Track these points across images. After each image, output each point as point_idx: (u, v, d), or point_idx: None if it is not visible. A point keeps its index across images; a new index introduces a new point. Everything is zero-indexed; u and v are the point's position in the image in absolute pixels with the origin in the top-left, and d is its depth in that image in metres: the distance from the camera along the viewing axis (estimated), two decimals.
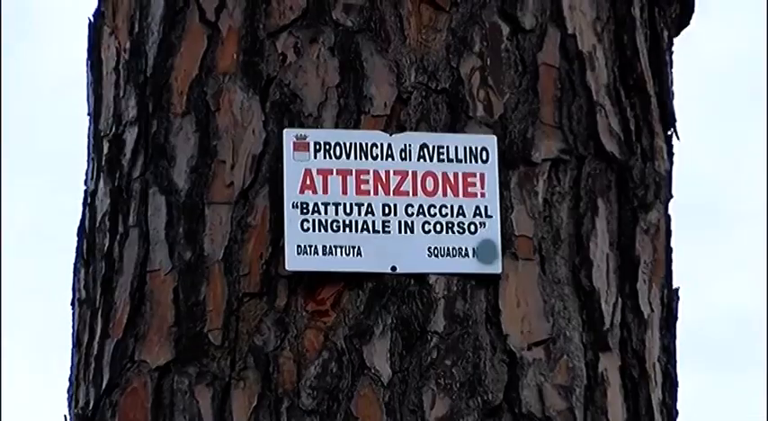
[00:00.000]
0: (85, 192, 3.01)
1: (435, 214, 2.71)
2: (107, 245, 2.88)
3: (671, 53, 3.12)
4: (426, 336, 2.66)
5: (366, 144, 2.75)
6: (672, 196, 3.03)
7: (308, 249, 2.66)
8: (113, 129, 2.96)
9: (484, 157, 2.75)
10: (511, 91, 2.84)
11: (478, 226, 2.71)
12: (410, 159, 2.74)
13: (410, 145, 2.76)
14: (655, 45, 3.06)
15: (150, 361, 2.70)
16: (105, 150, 2.95)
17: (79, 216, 3.06)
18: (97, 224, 2.94)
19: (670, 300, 2.97)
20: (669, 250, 3.00)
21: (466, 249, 2.70)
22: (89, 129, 3.06)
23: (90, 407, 2.83)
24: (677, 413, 2.99)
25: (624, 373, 2.81)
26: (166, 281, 2.75)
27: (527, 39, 2.88)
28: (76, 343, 2.94)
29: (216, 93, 2.83)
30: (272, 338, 2.65)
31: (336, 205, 2.70)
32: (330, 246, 2.68)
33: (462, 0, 2.85)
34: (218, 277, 2.70)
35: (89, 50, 3.12)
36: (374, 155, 2.74)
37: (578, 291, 2.80)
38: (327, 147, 2.74)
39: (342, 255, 2.69)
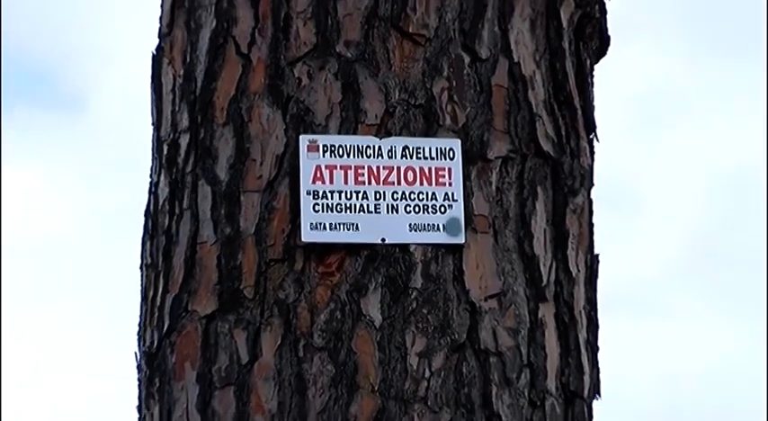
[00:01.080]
0: (150, 183, 3.09)
1: (414, 199, 2.79)
2: (167, 223, 2.96)
3: (592, 76, 3.18)
4: (408, 291, 2.73)
5: (362, 146, 2.81)
6: (593, 184, 3.10)
7: (319, 226, 2.73)
8: (171, 135, 3.04)
9: (451, 156, 2.82)
10: (471, 105, 2.91)
11: (447, 207, 2.79)
12: (395, 157, 2.81)
13: (395, 146, 2.82)
14: (580, 70, 3.12)
15: (200, 310, 2.79)
16: (165, 151, 3.03)
17: (145, 201, 3.10)
18: (159, 207, 3.01)
19: (592, 263, 3.05)
20: (591, 225, 3.07)
21: (438, 225, 2.77)
22: (153, 135, 3.13)
23: (154, 347, 2.92)
24: (598, 348, 3.04)
25: (558, 318, 2.90)
26: (211, 250, 2.83)
27: (483, 66, 2.94)
28: (144, 297, 3.01)
29: (248, 108, 2.89)
30: (292, 293, 2.73)
31: (340, 192, 2.78)
32: (335, 224, 2.76)
33: (434, 36, 2.92)
34: (251, 247, 2.78)
35: (152, 76, 3.17)
36: (368, 154, 2.81)
37: (522, 256, 2.88)
38: (332, 148, 2.80)
39: (344, 230, 2.75)
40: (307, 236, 2.71)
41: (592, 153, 3.09)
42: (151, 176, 3.10)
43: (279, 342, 2.68)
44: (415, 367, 2.68)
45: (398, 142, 2.81)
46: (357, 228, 2.75)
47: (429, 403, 2.67)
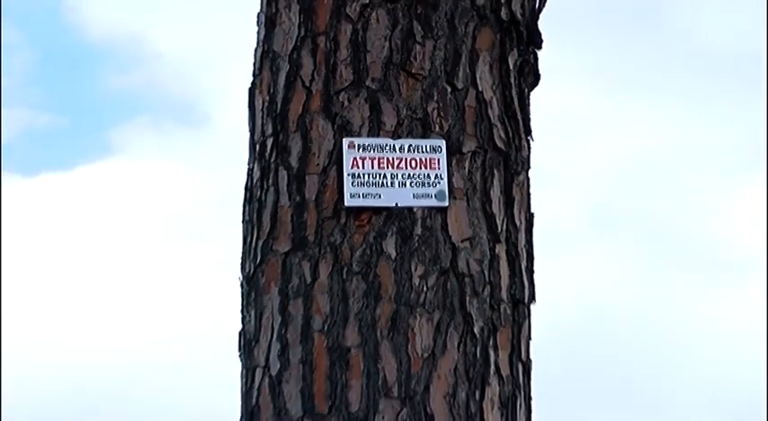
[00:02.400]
0: (248, 169, 3.28)
1: (416, 178, 3.04)
2: (258, 194, 3.18)
3: (529, 99, 3.35)
4: (412, 236, 2.99)
5: (382, 144, 3.07)
6: (530, 167, 3.32)
7: (355, 195, 3.00)
8: (261, 138, 3.22)
9: (439, 151, 3.07)
10: (452, 118, 3.12)
11: (437, 183, 3.04)
12: (404, 152, 3.07)
13: (404, 145, 3.07)
14: (521, 96, 3.29)
15: (280, 249, 3.05)
16: (257, 149, 3.23)
17: (245, 181, 3.30)
18: (254, 184, 3.22)
19: (530, 219, 3.27)
20: (529, 194, 3.28)
21: (431, 194, 3.02)
22: (249, 139, 3.30)
23: (251, 273, 3.12)
24: (533, 272, 3.22)
25: (508, 253, 3.12)
26: (287, 211, 3.06)
27: (459, 93, 3.15)
28: (244, 242, 3.20)
29: (310, 121, 3.12)
30: (338, 238, 2.97)
31: (368, 174, 3.03)
32: (365, 194, 3.02)
33: (428, 75, 3.12)
34: (312, 209, 3.01)
35: (249, 101, 3.34)
36: (386, 150, 3.07)
37: (485, 214, 3.10)
38: (363, 146, 3.05)
39: (371, 198, 3.01)
40: (348, 202, 2.97)
41: (529, 148, 3.29)
42: (248, 164, 3.28)
43: (330, 269, 2.93)
44: (417, 284, 2.93)
45: (405, 142, 3.06)
46: (380, 197, 3.00)
47: (426, 307, 2.91)
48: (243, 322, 3.10)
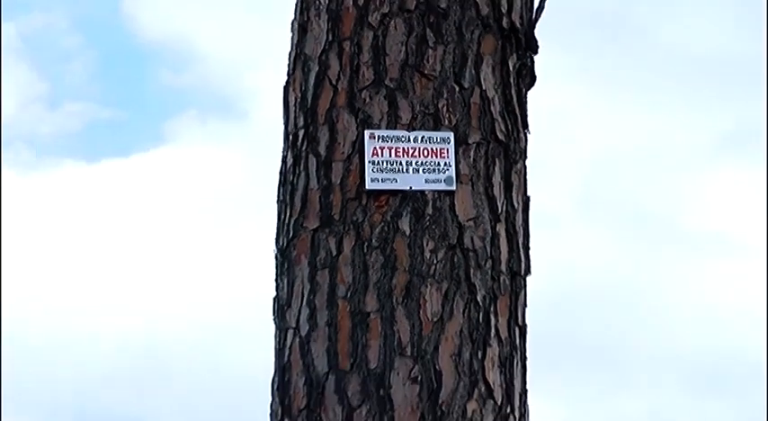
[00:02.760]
0: (282, 156, 3.32)
1: (428, 165, 3.09)
2: (291, 178, 3.22)
3: (526, 97, 3.38)
4: (424, 216, 3.04)
5: (399, 136, 3.11)
6: (527, 156, 3.36)
7: (375, 180, 3.06)
8: (294, 130, 3.27)
9: (448, 142, 3.12)
10: (459, 114, 3.17)
11: (446, 170, 3.09)
12: (417, 142, 3.12)
13: (417, 136, 3.12)
14: (519, 94, 3.33)
15: (309, 226, 3.10)
16: (290, 139, 3.29)
17: (279, 166, 3.33)
18: (287, 169, 3.26)
19: (527, 202, 3.31)
20: (526, 180, 3.33)
21: (441, 179, 3.08)
22: (284, 130, 3.35)
23: (284, 246, 3.18)
24: (529, 247, 3.27)
25: (507, 231, 3.16)
26: (316, 193, 3.11)
27: (466, 92, 3.20)
28: (278, 219, 3.25)
29: (336, 115, 3.18)
30: (359, 216, 3.04)
31: (386, 161, 3.08)
32: (384, 178, 3.07)
33: (438, 75, 3.17)
34: (338, 192, 3.07)
35: (284, 97, 3.38)
36: (402, 141, 3.12)
37: (487, 197, 3.14)
38: (382, 137, 3.11)
39: (389, 182, 3.07)
40: (369, 185, 3.04)
41: (526, 140, 3.36)
42: (283, 152, 3.33)
43: (353, 244, 3.00)
44: (428, 258, 2.99)
45: (419, 134, 3.11)
46: (396, 181, 3.06)
47: (436, 278, 2.98)
48: (277, 289, 3.17)
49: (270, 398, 3.09)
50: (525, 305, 3.17)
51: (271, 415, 3.08)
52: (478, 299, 2.99)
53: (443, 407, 2.86)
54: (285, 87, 3.34)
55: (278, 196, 3.27)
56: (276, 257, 3.21)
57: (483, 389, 2.92)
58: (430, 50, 3.14)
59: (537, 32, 3.34)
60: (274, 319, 3.17)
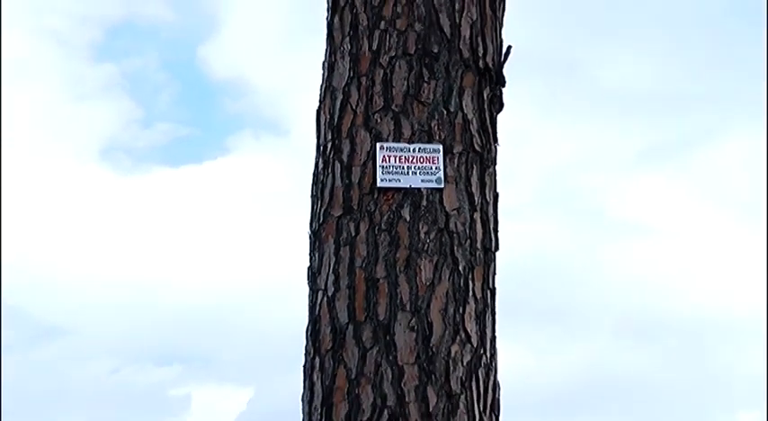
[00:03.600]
0: (315, 162, 3.35)
1: (424, 169, 3.15)
2: (321, 179, 3.26)
3: (496, 119, 3.35)
4: (420, 207, 3.11)
5: (402, 147, 3.17)
6: (496, 163, 3.35)
7: (384, 180, 3.12)
8: (323, 142, 3.31)
9: (438, 152, 3.17)
10: (446, 131, 3.21)
11: (436, 172, 3.15)
12: (416, 152, 3.17)
13: (416, 148, 3.17)
14: (491, 117, 3.33)
15: (334, 214, 3.16)
16: (321, 149, 3.32)
17: (313, 170, 3.35)
18: (319, 171, 3.29)
19: (496, 197, 3.30)
20: (496, 181, 3.32)
21: (433, 180, 3.13)
22: (316, 142, 3.39)
23: (316, 229, 3.22)
24: (497, 231, 3.28)
25: (482, 219, 3.21)
26: (340, 190, 3.16)
27: (452, 115, 3.24)
28: (311, 208, 3.30)
29: (356, 131, 3.21)
30: (372, 207, 3.11)
31: (392, 166, 3.14)
32: (390, 179, 3.13)
33: (432, 102, 3.21)
34: (356, 189, 3.13)
35: (316, 118, 3.41)
36: (404, 151, 3.17)
37: (467, 193, 3.19)
38: (390, 149, 3.16)
39: (394, 182, 3.12)
40: (379, 184, 3.12)
41: (496, 151, 3.36)
42: (315, 160, 3.37)
43: (367, 227, 3.08)
44: (423, 238, 3.07)
45: (417, 146, 3.18)
46: (400, 181, 3.13)
47: (429, 253, 3.07)
48: (310, 261, 3.22)
49: (305, 342, 3.16)
50: (495, 273, 3.21)
51: (305, 354, 3.15)
52: (460, 268, 3.06)
53: (433, 349, 2.95)
54: (317, 110, 3.37)
55: (311, 192, 3.29)
56: (310, 237, 3.25)
57: (463, 335, 3.00)
58: (425, 84, 3.20)
59: (505, 71, 3.38)
60: (308, 283, 3.21)
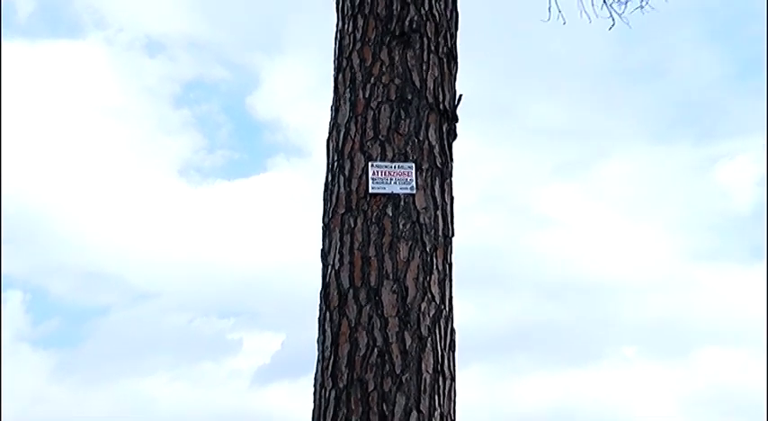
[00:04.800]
0: (326, 176, 3.32)
1: (402, 180, 3.14)
2: (330, 187, 3.25)
3: (452, 146, 3.34)
4: (399, 206, 3.11)
5: (387, 165, 3.17)
6: (452, 176, 3.31)
7: (374, 188, 3.12)
8: (332, 161, 3.29)
9: (411, 168, 3.16)
10: (417, 154, 3.21)
11: (411, 183, 3.16)
12: (396, 169, 3.17)
13: (396, 165, 3.17)
14: (449, 144, 3.29)
15: (339, 212, 3.13)
16: (330, 166, 3.29)
17: (324, 181, 3.30)
18: (328, 182, 3.28)
19: (452, 200, 3.28)
20: (452, 189, 3.30)
21: (408, 188, 3.13)
22: (327, 161, 3.34)
23: (327, 222, 3.18)
24: (454, 223, 3.24)
25: (442, 215, 3.21)
26: (343, 194, 3.16)
27: (421, 143, 3.22)
28: (323, 208, 3.26)
29: (353, 155, 3.19)
30: (366, 206, 3.11)
31: (380, 178, 3.13)
32: (379, 187, 3.13)
33: (407, 134, 3.21)
34: (355, 193, 3.14)
35: (327, 146, 3.36)
36: (388, 168, 3.16)
37: (432, 197, 3.20)
38: (378, 166, 3.15)
39: (381, 189, 3.12)
40: (371, 190, 3.11)
41: (452, 167, 3.33)
42: (326, 175, 3.33)
43: (362, 221, 3.08)
44: (401, 228, 3.07)
45: (396, 164, 3.18)
46: (385, 189, 3.12)
47: (406, 239, 3.07)
48: (323, 244, 3.20)
49: (319, 301, 3.15)
50: (451, 252, 3.21)
51: (319, 310, 3.13)
52: (427, 249, 3.08)
53: (409, 306, 2.97)
54: (327, 140, 3.36)
55: (323, 196, 3.28)
56: (322, 228, 3.24)
57: (429, 296, 3.02)
58: (402, 121, 3.20)
59: (458, 112, 3.38)
60: (321, 260, 3.20)
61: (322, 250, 3.20)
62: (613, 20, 4.10)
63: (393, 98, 3.22)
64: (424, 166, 3.19)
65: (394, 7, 3.32)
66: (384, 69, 3.25)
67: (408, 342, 2.90)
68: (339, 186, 3.19)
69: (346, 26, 3.38)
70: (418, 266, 3.02)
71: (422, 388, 2.87)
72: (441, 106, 3.30)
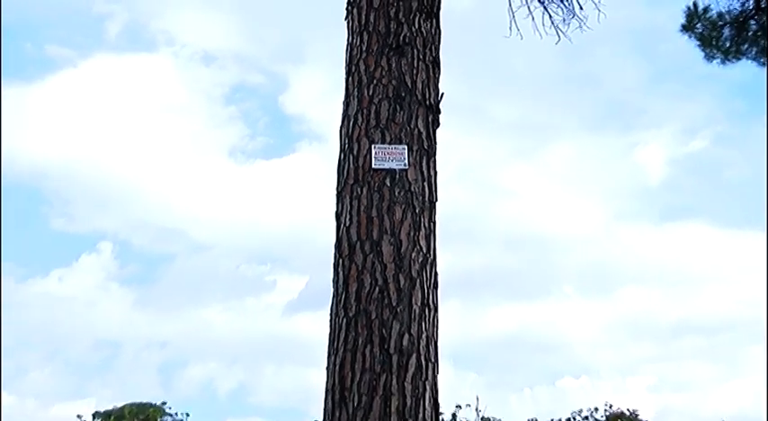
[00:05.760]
0: (339, 155, 3.31)
1: (397, 158, 3.19)
2: (342, 164, 3.28)
3: (436, 132, 3.32)
4: (395, 178, 3.16)
5: (386, 147, 3.21)
6: (436, 154, 3.31)
7: (377, 164, 3.17)
8: (343, 144, 3.32)
9: (405, 150, 3.20)
10: (409, 138, 3.21)
11: (404, 160, 3.18)
12: (392, 150, 3.21)
13: (393, 147, 3.22)
14: (433, 131, 3.29)
15: (350, 182, 3.18)
16: (342, 148, 3.30)
17: (337, 159, 3.31)
18: (341, 160, 3.29)
19: (436, 173, 3.31)
20: (436, 166, 3.30)
21: (402, 164, 3.17)
22: (340, 144, 3.35)
23: (340, 191, 3.23)
24: (437, 191, 3.27)
25: (429, 184, 3.24)
26: (352, 170, 3.20)
27: (412, 129, 3.24)
28: (337, 180, 3.30)
29: (360, 139, 3.23)
30: (370, 178, 3.16)
31: (381, 157, 3.18)
32: (380, 163, 3.18)
33: (401, 123, 3.21)
34: (361, 168, 3.17)
35: (340, 133, 3.38)
36: (388, 149, 3.21)
37: (421, 172, 3.21)
38: (379, 148, 3.20)
39: (381, 165, 3.17)
40: (374, 166, 3.17)
41: (436, 149, 3.34)
42: (339, 154, 3.32)
43: (367, 190, 3.14)
44: (396, 195, 3.13)
45: (393, 146, 3.22)
46: (384, 165, 3.17)
47: (400, 202, 3.12)
48: (336, 208, 3.27)
49: (333, 251, 3.21)
50: (435, 214, 3.26)
51: (334, 257, 3.19)
52: (417, 211, 3.15)
53: (402, 255, 3.05)
54: (340, 128, 3.40)
55: (337, 171, 3.33)
56: (336, 195, 3.29)
57: (418, 247, 3.09)
58: (397, 113, 3.25)
59: (440, 106, 3.43)
60: (335, 219, 3.26)
61: (336, 212, 3.25)
62: (559, 37, 4.21)
63: (390, 95, 3.26)
64: (414, 148, 3.24)
65: (391, 26, 3.38)
66: (383, 73, 3.29)
67: (402, 282, 2.98)
68: (349, 163, 3.24)
69: (354, 40, 3.43)
70: (410, 224, 3.09)
71: (412, 316, 2.96)
72: (427, 102, 3.35)
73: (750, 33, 4.50)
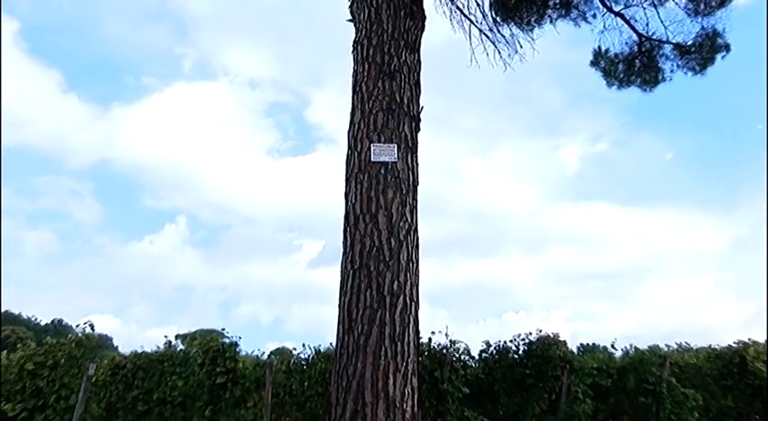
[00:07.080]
0: (347, 152, 3.25)
1: (390, 153, 3.13)
2: (349, 158, 3.20)
3: (417, 134, 3.22)
4: (389, 168, 3.11)
5: (382, 146, 3.16)
6: (417, 150, 3.14)
7: (374, 158, 3.13)
8: (350, 144, 3.24)
9: (395, 148, 3.15)
10: (397, 140, 3.11)
11: (394, 155, 3.14)
12: (386, 148, 3.16)
13: (387, 146, 3.17)
14: (416, 132, 3.22)
15: (355, 171, 3.09)
16: (349, 146, 3.22)
17: (345, 154, 3.21)
18: (348, 156, 3.20)
19: (417, 165, 3.17)
20: (417, 160, 3.19)
21: (394, 158, 3.13)
22: (348, 143, 3.21)
23: (348, 177, 3.14)
24: (418, 175, 3.08)
25: (411, 173, 3.15)
26: (356, 160, 3.09)
27: (401, 132, 3.09)
28: (345, 170, 3.19)
29: (362, 139, 3.17)
30: (369, 169, 3.12)
31: (378, 152, 3.13)
32: (377, 157, 3.15)
33: (392, 128, 3.11)
34: (363, 161, 3.13)
35: (348, 135, 3.27)
36: (383, 148, 3.14)
37: (407, 163, 3.16)
38: (376, 146, 3.14)
39: (378, 159, 3.12)
40: (372, 160, 3.17)
41: (417, 146, 3.30)
42: (347, 151, 3.30)
43: (368, 177, 3.16)
44: (388, 179, 3.14)
45: (387, 145, 3.20)
46: (380, 159, 3.17)
47: (391, 185, 3.11)
48: (345, 190, 3.28)
49: (343, 221, 3.25)
50: (417, 193, 3.29)
51: (343, 226, 3.22)
52: (403, 192, 3.25)
53: (393, 224, 3.13)
54: (348, 132, 3.45)
55: (346, 163, 3.37)
56: (345, 181, 3.33)
57: (405, 218, 3.18)
58: (389, 121, 3.30)
59: (421, 116, 3.45)
60: (345, 198, 3.29)
61: (345, 193, 3.32)
62: (505, 67, 4.32)
63: (384, 108, 3.38)
64: (402, 146, 3.30)
65: (385, 58, 3.45)
66: (380, 92, 3.40)
67: (393, 243, 3.13)
68: (354, 157, 3.29)
69: (359, 68, 3.49)
70: (398, 202, 3.22)
71: (400, 268, 3.12)
72: (411, 113, 3.42)
73: (636, 68, 4.78)
